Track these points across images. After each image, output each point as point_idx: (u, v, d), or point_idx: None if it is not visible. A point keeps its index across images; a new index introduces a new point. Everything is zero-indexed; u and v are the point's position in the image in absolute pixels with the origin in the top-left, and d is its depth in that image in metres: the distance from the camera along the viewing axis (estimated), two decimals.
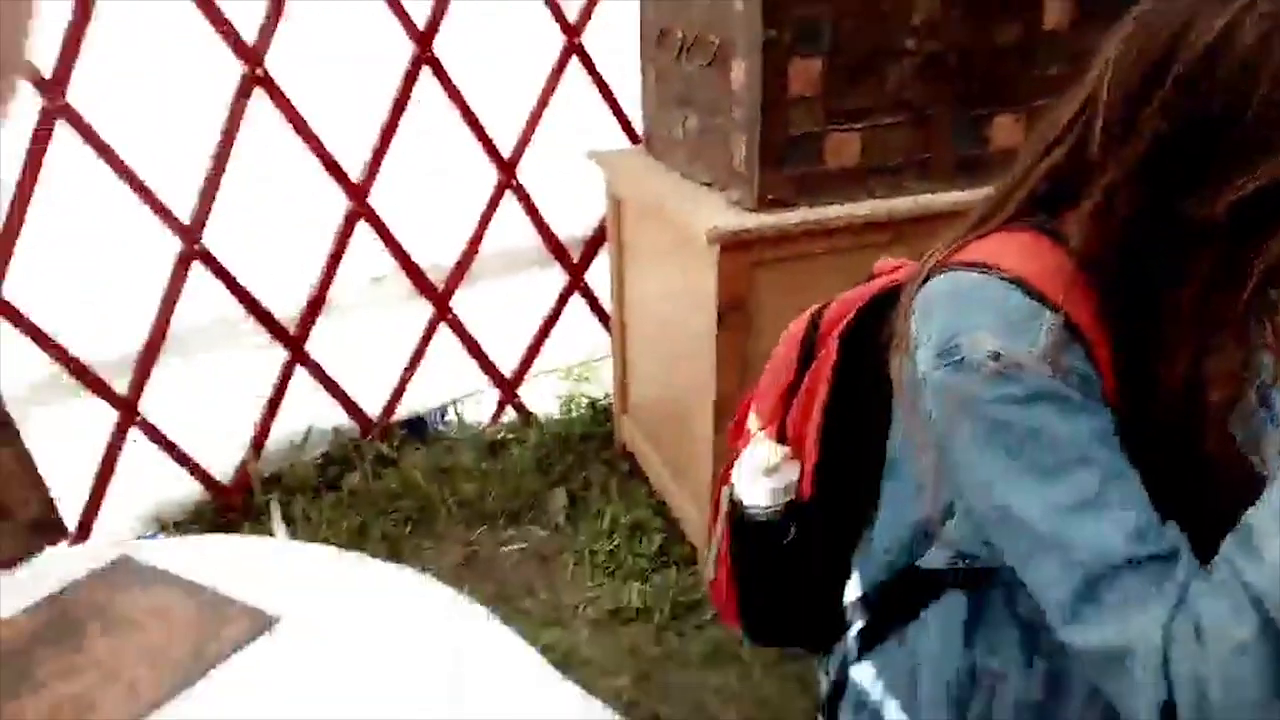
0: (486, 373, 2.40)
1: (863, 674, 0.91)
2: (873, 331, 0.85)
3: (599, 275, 2.31)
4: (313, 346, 2.12)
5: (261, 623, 1.10)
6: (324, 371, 2.16)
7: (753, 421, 1.04)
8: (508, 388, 2.44)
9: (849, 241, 1.59)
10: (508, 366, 2.43)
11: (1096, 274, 0.70)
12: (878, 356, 0.82)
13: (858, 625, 0.93)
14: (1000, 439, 0.69)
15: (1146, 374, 0.71)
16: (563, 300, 2.43)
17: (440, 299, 2.26)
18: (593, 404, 2.46)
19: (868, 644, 0.91)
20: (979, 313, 0.71)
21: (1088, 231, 0.70)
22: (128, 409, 1.90)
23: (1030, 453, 0.67)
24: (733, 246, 1.53)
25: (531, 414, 2.44)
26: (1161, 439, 0.70)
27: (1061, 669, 0.79)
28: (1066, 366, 0.68)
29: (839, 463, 0.93)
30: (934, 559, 0.83)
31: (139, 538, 1.92)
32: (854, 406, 0.91)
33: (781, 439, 1.00)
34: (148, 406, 1.95)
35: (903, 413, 0.81)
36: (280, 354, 2.09)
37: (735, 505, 0.99)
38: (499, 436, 2.31)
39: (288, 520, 2.00)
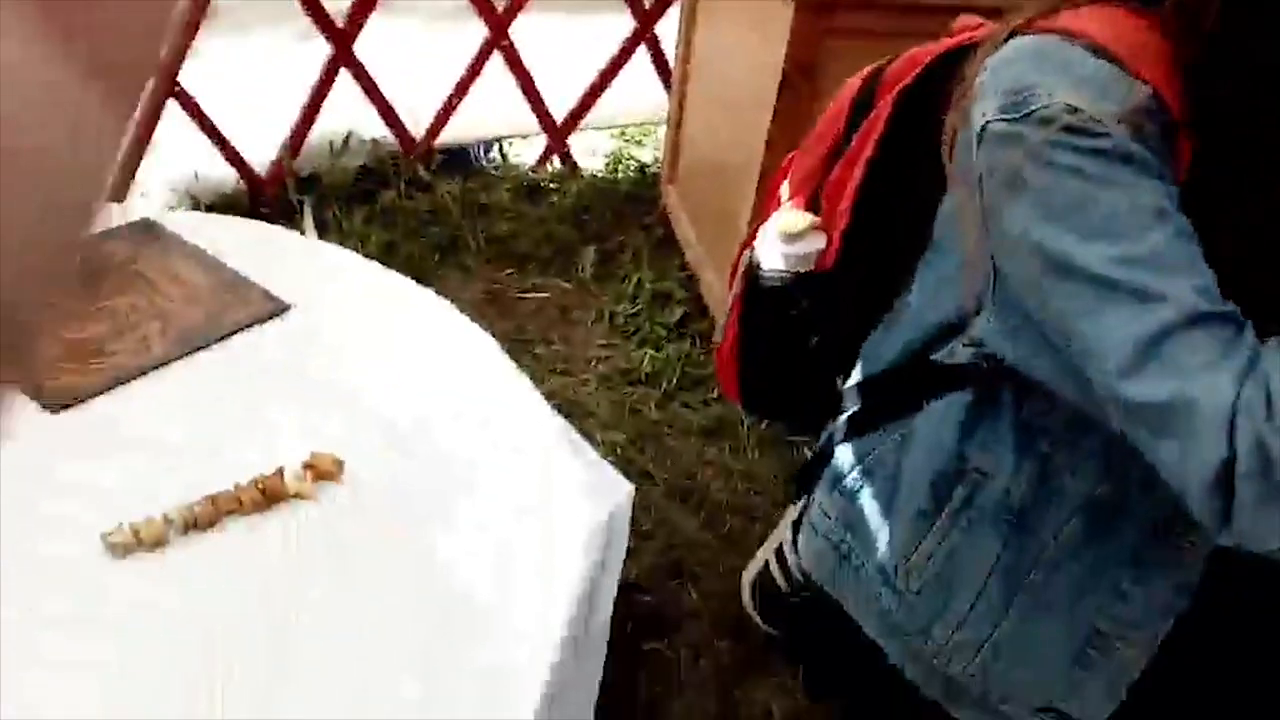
0: (537, 114, 2.31)
1: (845, 455, 0.91)
2: (938, 92, 0.78)
3: (669, 30, 2.17)
4: (361, 48, 2.03)
5: (276, 307, 1.12)
6: (369, 76, 2.08)
7: (785, 188, 1.00)
8: (557, 135, 2.36)
9: (939, 24, 1.46)
10: (560, 113, 2.34)
11: (1187, 50, 0.65)
12: (937, 120, 0.77)
13: (851, 409, 0.93)
14: (1067, 191, 0.65)
15: (1231, 179, 0.66)
16: (627, 50, 2.30)
17: (499, 21, 2.14)
18: (641, 168, 2.39)
19: (858, 429, 0.91)
20: (1059, 71, 0.67)
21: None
22: (167, 77, 1.86)
23: (1102, 205, 0.64)
24: (809, 7, 1.42)
25: (577, 166, 2.38)
26: (1230, 232, 0.67)
27: (1050, 477, 0.78)
28: (1148, 133, 0.64)
29: (871, 234, 0.89)
30: (956, 354, 0.80)
31: (170, 209, 1.93)
32: (901, 174, 0.86)
33: (815, 210, 0.96)
34: (188, 81, 1.91)
35: (956, 178, 0.77)
36: (325, 49, 2.01)
37: (751, 269, 0.96)
38: (540, 183, 2.25)
39: (319, 225, 2.00)
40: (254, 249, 1.22)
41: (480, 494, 0.91)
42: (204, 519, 0.84)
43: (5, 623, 0.73)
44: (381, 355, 1.08)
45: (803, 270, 0.93)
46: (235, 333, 1.07)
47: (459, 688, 0.74)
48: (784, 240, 0.92)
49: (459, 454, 0.95)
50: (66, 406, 0.95)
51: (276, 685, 0.73)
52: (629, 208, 2.18)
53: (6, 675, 0.69)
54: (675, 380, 1.69)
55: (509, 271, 1.95)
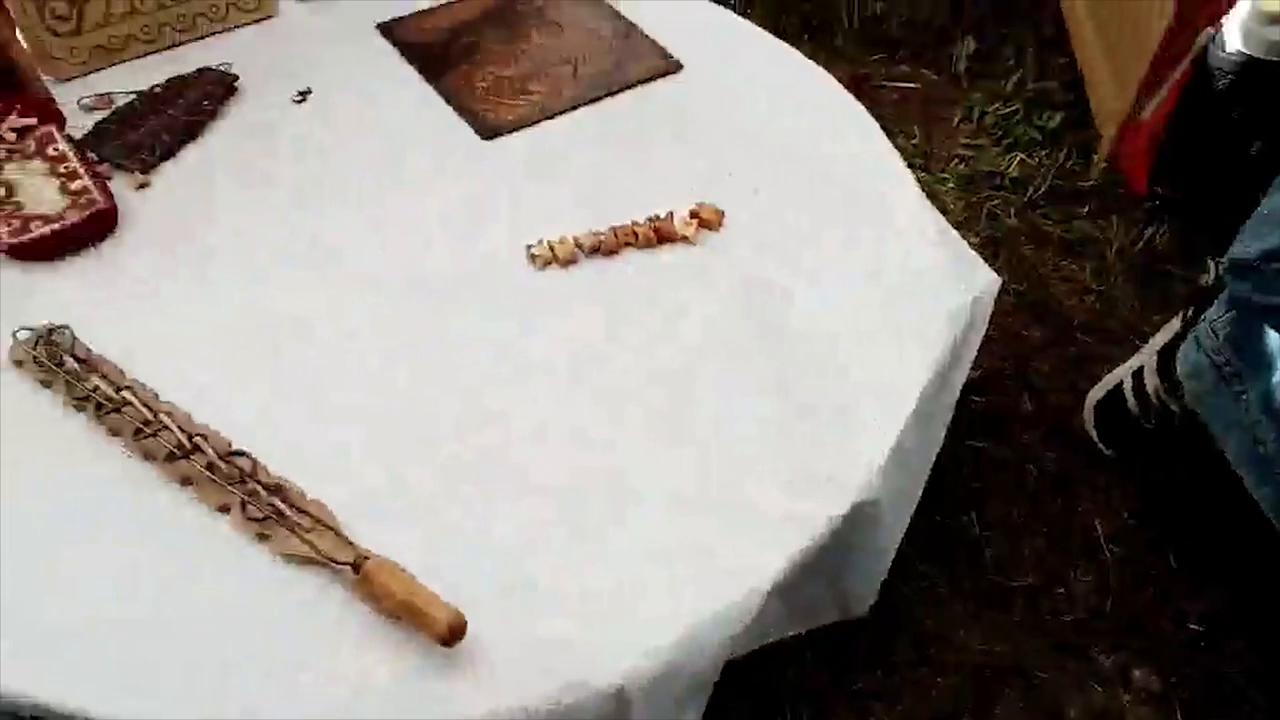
0: None
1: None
2: None
3: None
4: None
5: (670, 64, 1.18)
6: None
7: None
8: None
9: None
10: None
11: None
12: None
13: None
14: None
15: None
16: None
17: None
18: None
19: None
20: None
21: None
22: None
23: None
24: None
25: None
26: None
27: None
28: None
29: None
30: None
31: None
32: None
33: None
34: None
35: None
36: None
37: (1205, 52, 0.86)
38: None
39: None
40: (645, 2, 1.27)
41: (850, 257, 0.95)
42: (607, 246, 0.95)
43: (438, 316, 0.89)
44: (763, 118, 1.12)
45: (1275, 59, 0.82)
46: (634, 85, 1.16)
47: (811, 426, 0.82)
48: (1262, 22, 0.81)
49: (832, 220, 1.00)
50: (495, 135, 1.08)
51: (648, 386, 0.84)
52: None
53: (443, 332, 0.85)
54: (1042, 189, 1.60)
55: (877, 57, 1.89)
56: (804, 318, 0.90)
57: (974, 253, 1.00)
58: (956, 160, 1.66)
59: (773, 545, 0.74)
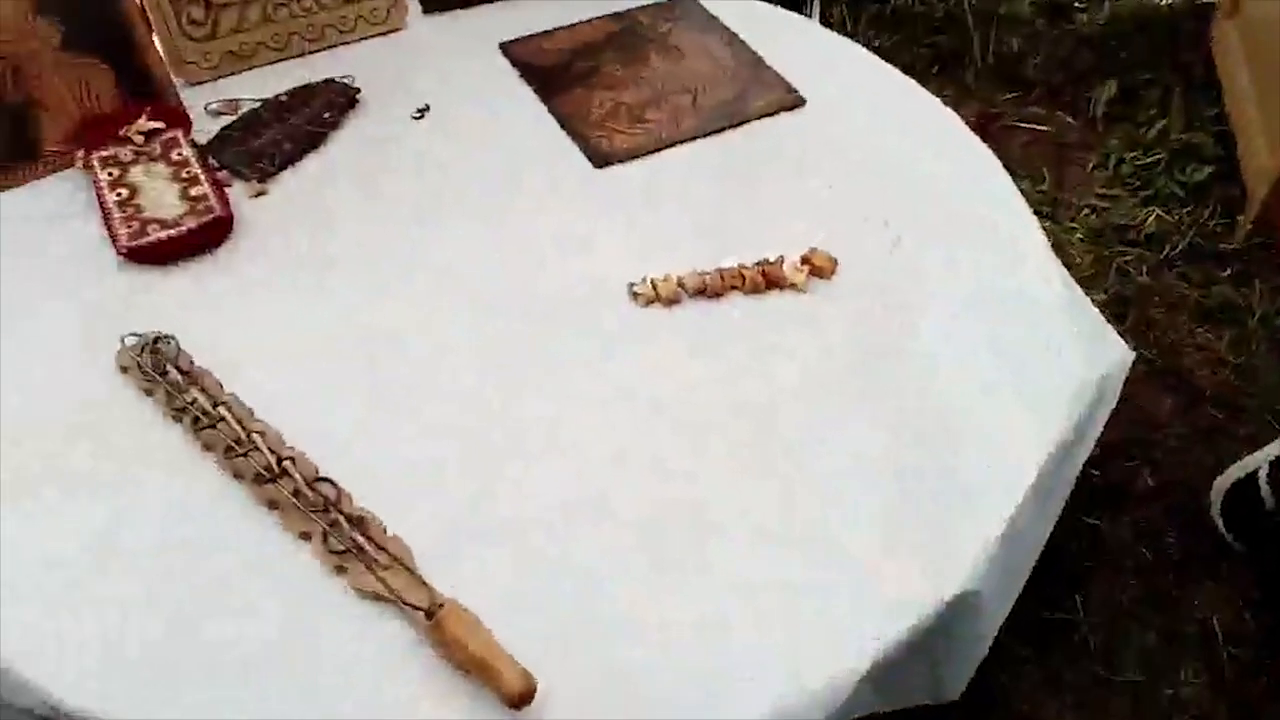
0: None
1: None
2: None
3: None
4: None
5: (794, 99, 1.14)
6: None
7: None
8: None
9: None
10: None
11: None
12: None
13: None
14: None
15: None
16: None
17: None
18: None
19: None
20: None
21: None
22: None
23: None
24: None
25: None
26: None
27: None
28: None
29: None
30: None
31: None
32: None
33: None
34: None
35: None
36: None
37: None
38: None
39: (824, 19, 1.99)
40: (771, 32, 1.24)
41: (970, 318, 0.90)
42: (712, 288, 0.92)
43: (538, 341, 0.88)
44: (885, 161, 1.07)
45: None
46: (755, 118, 1.12)
47: (918, 491, 0.77)
48: None
49: (954, 274, 0.94)
50: (608, 164, 1.06)
51: (756, 441, 0.80)
52: (1167, 41, 1.89)
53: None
54: (1180, 248, 1.50)
55: (1010, 95, 1.82)
56: (916, 378, 0.85)
57: (1106, 324, 0.93)
58: (1087, 211, 1.58)
59: (872, 621, 0.69)
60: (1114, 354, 0.89)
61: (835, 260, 0.94)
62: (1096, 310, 0.94)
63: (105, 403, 0.83)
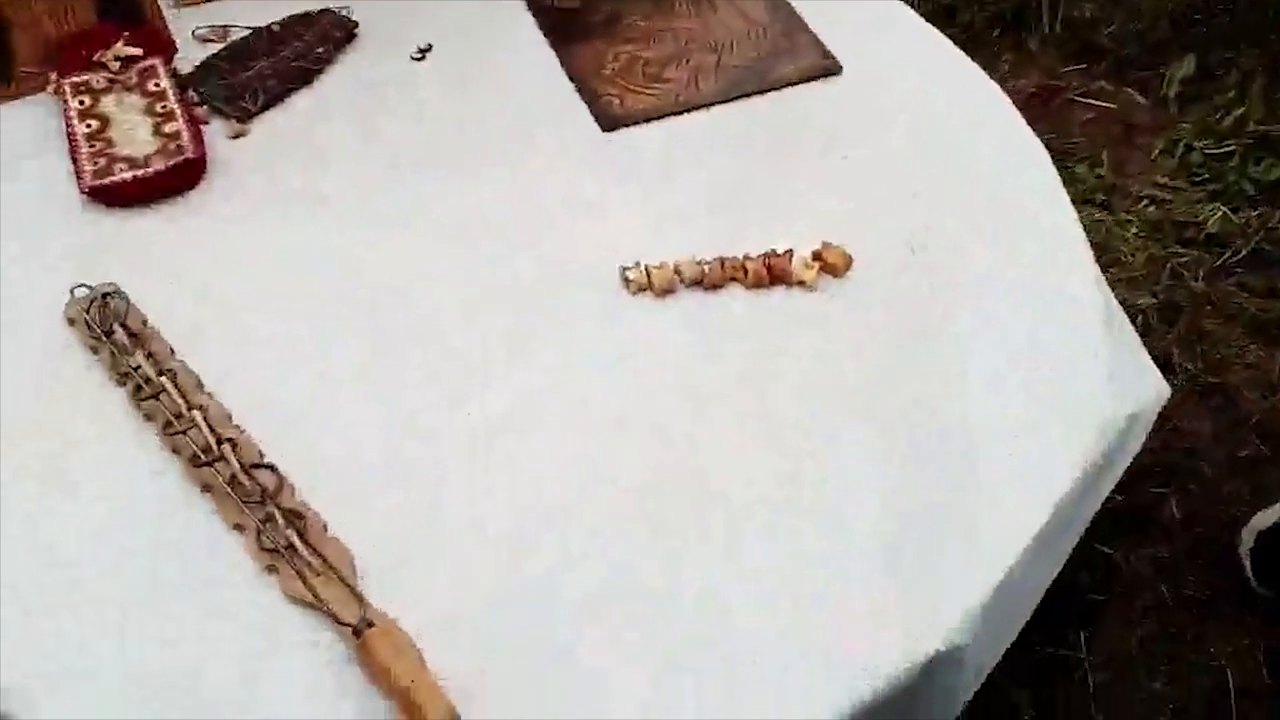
0: None
1: None
2: None
3: None
4: None
5: (827, 66, 1.06)
6: None
7: None
8: None
9: None
10: None
11: None
12: None
13: None
14: None
15: None
16: None
17: None
18: None
19: None
20: None
21: None
22: None
23: None
24: None
25: None
26: None
27: None
28: None
29: None
30: None
31: None
32: None
33: None
34: None
35: None
36: None
37: None
38: None
39: None
40: None
41: (993, 333, 0.83)
42: (710, 279, 0.85)
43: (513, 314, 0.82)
44: (921, 143, 0.99)
45: None
46: (783, 85, 1.04)
47: (927, 531, 0.71)
48: None
49: (980, 285, 0.87)
50: (617, 127, 0.99)
51: (742, 439, 0.75)
52: (1258, 17, 1.75)
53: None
54: (1244, 253, 1.40)
55: (1076, 66, 1.70)
56: (924, 400, 0.78)
57: (1144, 352, 0.85)
58: (1145, 202, 1.47)
59: (841, 681, 0.64)
60: (1149, 389, 0.82)
61: (850, 257, 0.87)
62: (1135, 335, 0.86)
63: (50, 356, 0.79)
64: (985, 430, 0.77)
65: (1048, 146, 0.98)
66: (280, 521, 0.66)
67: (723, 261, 0.86)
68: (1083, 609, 1.02)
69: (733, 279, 0.86)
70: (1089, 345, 0.82)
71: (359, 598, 0.64)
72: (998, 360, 0.81)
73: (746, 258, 0.86)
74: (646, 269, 0.85)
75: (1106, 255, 1.34)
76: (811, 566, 0.69)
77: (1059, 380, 0.80)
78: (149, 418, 0.73)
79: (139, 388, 0.74)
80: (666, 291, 0.85)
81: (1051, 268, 0.89)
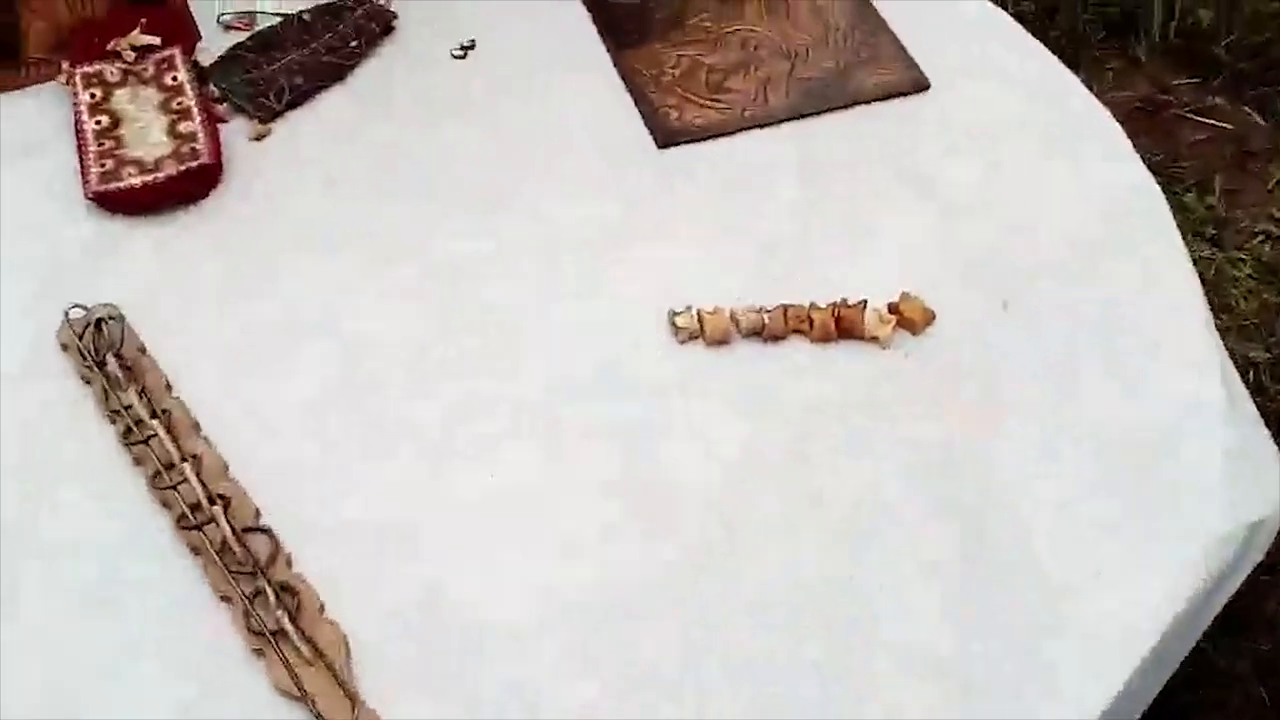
0: None
1: None
2: None
3: None
4: None
5: (914, 81, 0.97)
6: None
7: None
8: None
9: None
10: None
11: None
12: None
13: None
14: None
15: None
16: None
17: None
18: None
19: None
20: None
21: None
22: None
23: None
24: None
25: None
26: None
27: None
28: None
29: None
30: None
31: None
32: None
33: None
34: None
35: None
36: None
37: None
38: None
39: None
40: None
41: (1085, 420, 0.74)
42: (770, 330, 0.78)
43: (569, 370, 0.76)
44: (1016, 173, 0.90)
45: None
46: (863, 102, 0.95)
47: (1000, 674, 0.63)
48: None
49: (1071, 351, 0.78)
50: (672, 144, 0.92)
51: (790, 528, 0.68)
52: None
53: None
54: None
55: (1187, 79, 1.58)
56: (999, 501, 0.70)
57: (1273, 444, 0.76)
58: (1261, 238, 1.36)
59: None
60: (1275, 491, 0.72)
61: (932, 313, 0.79)
62: (1262, 424, 0.77)
63: (40, 383, 0.75)
64: (1074, 546, 0.67)
65: (1151, 168, 0.89)
66: (271, 599, 0.61)
67: (785, 310, 0.78)
68: (1174, 710, 0.93)
69: (796, 330, 0.78)
70: (1206, 434, 0.73)
71: (351, 697, 0.58)
72: (1085, 455, 0.72)
73: (814, 306, 0.79)
74: (699, 314, 0.78)
75: (1215, 298, 1.24)
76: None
77: (1165, 482, 0.70)
78: (139, 462, 0.68)
79: (129, 430, 0.69)
80: (720, 342, 0.78)
81: (1159, 342, 0.79)
